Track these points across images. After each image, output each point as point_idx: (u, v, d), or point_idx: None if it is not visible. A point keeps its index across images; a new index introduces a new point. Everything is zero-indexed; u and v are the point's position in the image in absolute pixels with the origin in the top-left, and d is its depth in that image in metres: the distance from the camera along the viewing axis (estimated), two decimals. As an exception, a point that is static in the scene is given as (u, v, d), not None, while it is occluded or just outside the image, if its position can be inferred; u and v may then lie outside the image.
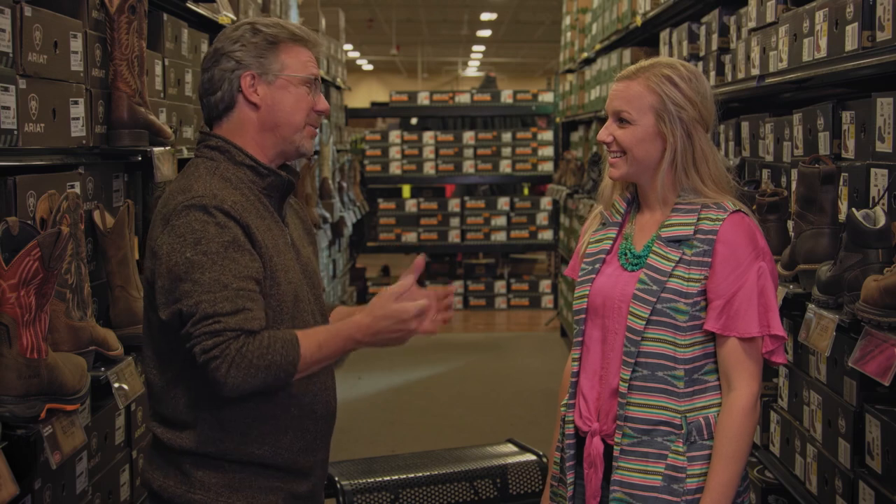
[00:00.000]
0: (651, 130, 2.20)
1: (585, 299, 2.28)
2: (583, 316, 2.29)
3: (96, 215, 2.75)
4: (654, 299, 2.16)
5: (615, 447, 2.20)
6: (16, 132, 2.25)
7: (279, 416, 2.12)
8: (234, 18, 4.33)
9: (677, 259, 2.18)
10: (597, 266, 2.29)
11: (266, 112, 2.16)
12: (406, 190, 12.15)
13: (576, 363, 2.30)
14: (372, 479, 3.07)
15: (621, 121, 2.22)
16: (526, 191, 11.96)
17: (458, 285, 10.53)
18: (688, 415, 2.17)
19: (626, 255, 2.27)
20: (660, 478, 2.16)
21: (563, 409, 2.35)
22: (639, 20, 5.42)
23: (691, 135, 2.20)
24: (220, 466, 2.11)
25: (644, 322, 2.17)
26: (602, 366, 2.25)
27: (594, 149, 7.35)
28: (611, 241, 2.31)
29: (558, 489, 2.36)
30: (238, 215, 2.05)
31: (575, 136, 9.38)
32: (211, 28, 4.18)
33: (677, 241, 2.19)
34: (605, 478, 2.23)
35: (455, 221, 10.43)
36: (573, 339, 2.32)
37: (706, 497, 2.13)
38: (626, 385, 2.18)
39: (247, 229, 2.05)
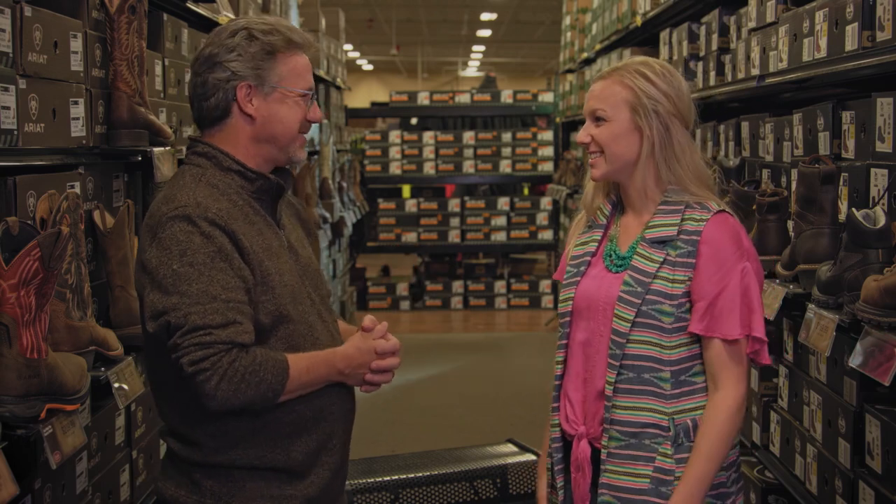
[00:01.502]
0: (627, 125, 2.20)
1: (570, 302, 2.27)
2: (568, 318, 2.27)
3: (96, 215, 2.75)
4: (639, 301, 2.15)
5: (602, 450, 2.18)
6: (16, 132, 2.25)
7: (290, 420, 2.10)
8: (234, 19, 4.32)
9: (661, 260, 2.16)
10: (582, 268, 2.28)
11: (261, 124, 2.14)
12: (406, 190, 12.14)
13: (560, 366, 2.29)
14: (372, 479, 3.07)
15: (597, 119, 2.22)
16: (526, 191, 11.96)
17: (458, 285, 10.54)
18: (675, 417, 2.15)
19: (610, 256, 2.26)
20: (648, 480, 2.14)
21: (550, 412, 2.33)
22: (639, 20, 5.43)
23: (669, 128, 2.19)
24: (230, 475, 2.09)
25: (629, 324, 2.15)
26: (586, 368, 2.23)
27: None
28: (596, 244, 2.30)
29: (552, 496, 2.33)
30: (223, 223, 2.03)
31: (575, 136, 9.38)
32: (211, 28, 4.17)
33: (661, 242, 2.18)
34: (593, 482, 2.22)
35: (455, 221, 10.43)
36: (558, 341, 2.30)
37: (679, 489, 2.11)
38: (612, 388, 2.16)
39: (233, 236, 2.04)
